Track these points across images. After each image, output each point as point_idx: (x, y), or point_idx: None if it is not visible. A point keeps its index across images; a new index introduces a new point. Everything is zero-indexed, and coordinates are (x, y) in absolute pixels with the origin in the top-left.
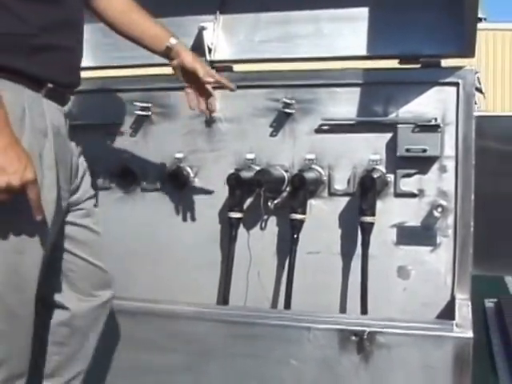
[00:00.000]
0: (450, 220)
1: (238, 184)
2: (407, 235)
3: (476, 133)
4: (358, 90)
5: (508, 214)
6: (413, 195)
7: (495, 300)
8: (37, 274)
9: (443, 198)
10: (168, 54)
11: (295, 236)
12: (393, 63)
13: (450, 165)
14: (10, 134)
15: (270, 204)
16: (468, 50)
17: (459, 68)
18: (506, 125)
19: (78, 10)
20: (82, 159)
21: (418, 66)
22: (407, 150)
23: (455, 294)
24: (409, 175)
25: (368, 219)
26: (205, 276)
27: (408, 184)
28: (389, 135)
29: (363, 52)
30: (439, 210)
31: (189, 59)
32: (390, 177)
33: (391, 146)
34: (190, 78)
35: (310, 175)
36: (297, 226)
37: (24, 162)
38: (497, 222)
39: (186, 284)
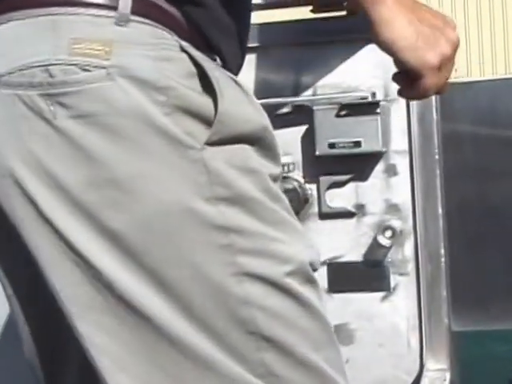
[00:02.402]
0: (409, 249)
1: None
2: (344, 276)
3: (443, 111)
4: (252, 57)
5: (501, 228)
6: (347, 214)
7: None
8: None
9: (394, 216)
10: None
11: None
12: (303, 12)
13: (402, 163)
14: None
15: None
16: None
17: None
18: (488, 94)
19: None
20: None
21: (342, 12)
22: (331, 146)
23: (425, 362)
24: (338, 184)
25: None
26: None
27: (338, 198)
28: (304, 125)
29: None
30: (387, 234)
31: None
32: (311, 188)
33: (308, 140)
34: None
35: None
36: None
37: None
38: (487, 247)
39: None
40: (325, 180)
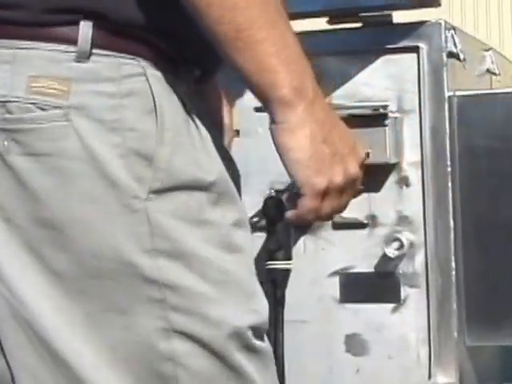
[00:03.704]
0: (419, 261)
1: None
2: (355, 287)
3: (459, 123)
4: None
5: None
6: (359, 225)
7: None
8: None
9: (406, 228)
10: None
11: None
12: (319, 23)
13: (414, 175)
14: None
15: None
16: None
17: (420, 24)
18: (504, 107)
19: None
20: None
21: (358, 25)
22: None
23: (433, 376)
24: None
25: (278, 265)
26: None
27: (351, 208)
28: None
29: None
30: (394, 245)
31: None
32: None
33: None
34: None
35: None
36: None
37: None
38: (501, 261)
39: None
40: None
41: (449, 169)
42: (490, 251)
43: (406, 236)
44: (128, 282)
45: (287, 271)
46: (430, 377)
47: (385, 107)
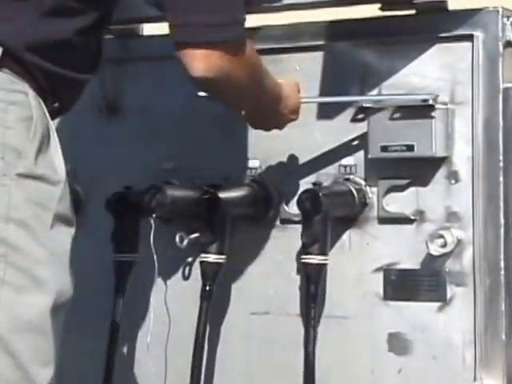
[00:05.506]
0: (467, 259)
1: (125, 210)
2: (400, 284)
3: None
4: (319, 55)
5: None
6: (406, 220)
7: None
8: None
9: (454, 224)
10: None
11: (207, 288)
12: (372, 10)
13: (464, 170)
14: None
15: (179, 240)
16: None
17: (476, 11)
18: None
19: None
20: None
21: (412, 12)
22: (383, 149)
23: (479, 379)
24: (398, 188)
25: (312, 259)
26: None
27: (398, 203)
28: (364, 126)
29: None
30: (439, 242)
31: None
32: (373, 192)
33: (366, 143)
34: None
35: (239, 194)
36: (208, 272)
37: None
38: None
39: None
40: (384, 184)
41: (501, 164)
42: None
43: (453, 233)
44: None
45: (321, 266)
46: (475, 379)
47: (435, 98)
